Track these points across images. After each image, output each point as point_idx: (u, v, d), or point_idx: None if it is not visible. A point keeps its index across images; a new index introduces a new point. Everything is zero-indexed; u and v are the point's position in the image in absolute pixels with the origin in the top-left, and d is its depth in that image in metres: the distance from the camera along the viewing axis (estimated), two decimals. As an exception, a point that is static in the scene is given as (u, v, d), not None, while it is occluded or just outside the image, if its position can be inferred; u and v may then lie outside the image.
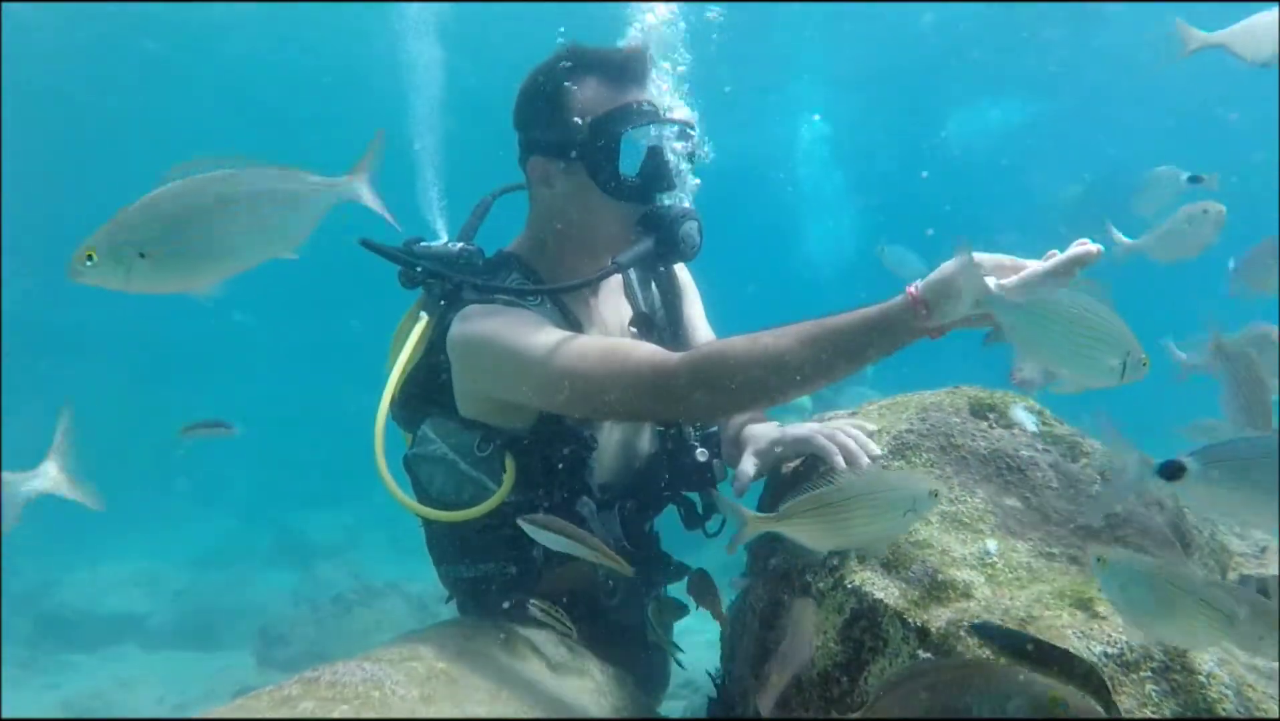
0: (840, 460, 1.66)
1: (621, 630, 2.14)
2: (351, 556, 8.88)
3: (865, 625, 1.33)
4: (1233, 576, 1.84)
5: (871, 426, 1.77)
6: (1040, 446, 1.77)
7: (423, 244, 2.01)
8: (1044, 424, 1.88)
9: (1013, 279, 1.43)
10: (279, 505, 11.52)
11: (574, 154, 1.88)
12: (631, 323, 2.12)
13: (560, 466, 1.93)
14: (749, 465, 1.82)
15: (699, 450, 2.07)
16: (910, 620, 1.27)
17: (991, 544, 1.46)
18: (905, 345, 1.52)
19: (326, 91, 12.46)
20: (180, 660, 7.15)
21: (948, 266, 1.47)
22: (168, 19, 10.26)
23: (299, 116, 13.51)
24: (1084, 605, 1.32)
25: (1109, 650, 1.19)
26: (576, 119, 1.87)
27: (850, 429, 1.75)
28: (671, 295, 2.24)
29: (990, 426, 1.82)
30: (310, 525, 10.57)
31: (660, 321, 2.18)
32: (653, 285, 2.24)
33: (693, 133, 1.97)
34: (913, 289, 1.49)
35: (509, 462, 1.89)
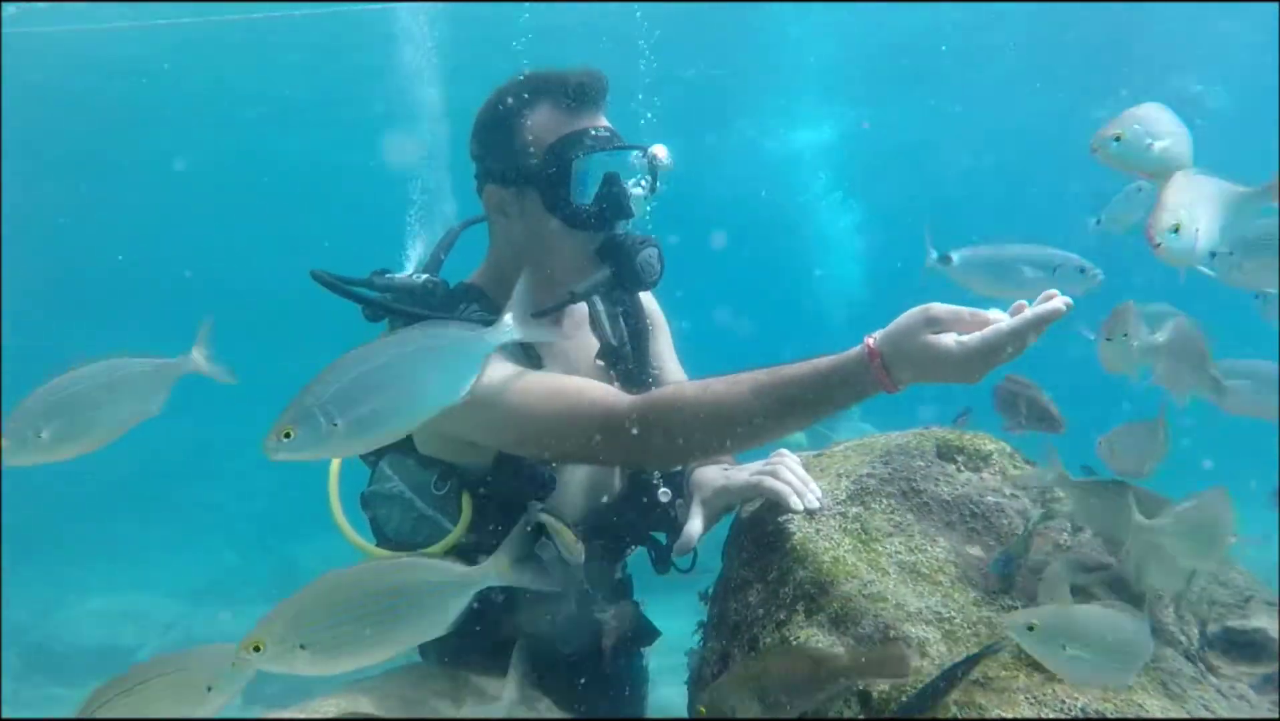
0: (796, 501, 1.60)
1: (580, 674, 2.07)
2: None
3: (809, 685, 1.25)
4: (1213, 629, 1.76)
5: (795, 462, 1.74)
6: (1008, 492, 1.70)
7: (388, 275, 1.97)
8: (1015, 467, 1.81)
9: (974, 337, 1.35)
10: (278, 535, 11.43)
11: (527, 182, 1.84)
12: (598, 356, 2.06)
13: (516, 507, 1.87)
14: (695, 525, 1.76)
15: (661, 490, 2.01)
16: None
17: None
18: (864, 399, 1.45)
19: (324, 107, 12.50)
20: (167, 696, 7.04)
21: (905, 319, 1.41)
22: (169, 39, 10.35)
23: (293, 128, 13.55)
24: (1041, 665, 1.24)
25: (1062, 717, 1.12)
26: (529, 146, 1.82)
27: (792, 464, 1.69)
28: (639, 329, 2.19)
29: (958, 470, 1.75)
30: (307, 555, 10.46)
31: (628, 355, 2.12)
32: (621, 318, 2.19)
33: (660, 161, 1.93)
34: (871, 340, 1.42)
35: (465, 502, 1.84)
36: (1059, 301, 1.33)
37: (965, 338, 1.36)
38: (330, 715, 1.65)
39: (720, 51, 11.35)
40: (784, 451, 1.78)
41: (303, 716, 1.63)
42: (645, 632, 2.17)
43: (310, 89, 11.93)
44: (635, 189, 1.90)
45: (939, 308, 1.38)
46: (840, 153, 15.98)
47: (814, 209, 17.83)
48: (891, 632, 1.32)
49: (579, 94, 1.83)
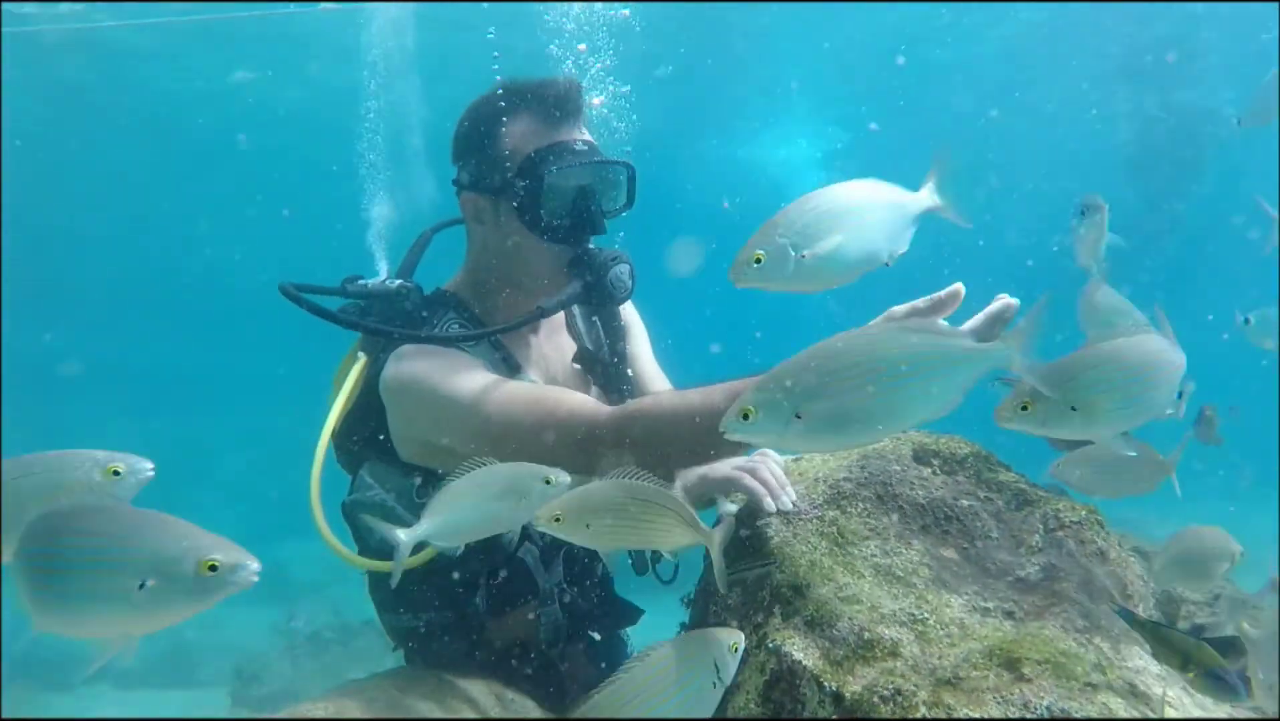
0: (769, 501, 1.63)
1: (567, 677, 2.09)
2: (333, 592, 8.78)
3: (785, 687, 1.29)
4: (1183, 625, 1.80)
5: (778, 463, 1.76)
6: (983, 495, 1.74)
7: (360, 281, 1.98)
8: (989, 470, 1.85)
9: None
10: (266, 538, 11.41)
11: (503, 193, 1.86)
12: (575, 360, 2.09)
13: None
14: None
15: None
16: (827, 684, 1.23)
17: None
18: None
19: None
20: (155, 699, 7.05)
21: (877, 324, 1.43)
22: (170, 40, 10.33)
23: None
24: (1011, 665, 1.27)
25: (1027, 716, 1.15)
26: (506, 157, 1.85)
27: (773, 465, 1.72)
28: (615, 332, 2.21)
29: (934, 473, 1.79)
30: (295, 557, 10.46)
31: (605, 357, 2.14)
32: (596, 320, 2.21)
33: (627, 173, 1.96)
34: None
35: None
36: (1009, 300, 1.38)
37: None
38: (318, 716, 1.67)
39: (703, 51, 11.38)
40: (768, 451, 1.81)
41: (291, 718, 1.65)
42: (626, 614, 2.18)
43: (307, 82, 11.90)
44: (610, 202, 1.93)
45: (896, 311, 1.41)
46: (829, 160, 16.05)
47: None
48: (866, 635, 1.35)
49: (557, 106, 1.85)
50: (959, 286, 1.40)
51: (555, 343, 2.09)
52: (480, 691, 1.89)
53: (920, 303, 1.40)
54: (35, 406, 14.94)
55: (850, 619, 1.37)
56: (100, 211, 15.57)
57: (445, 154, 2.01)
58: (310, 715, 1.67)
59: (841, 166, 16.24)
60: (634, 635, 2.41)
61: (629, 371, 2.18)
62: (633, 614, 2.23)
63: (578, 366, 2.07)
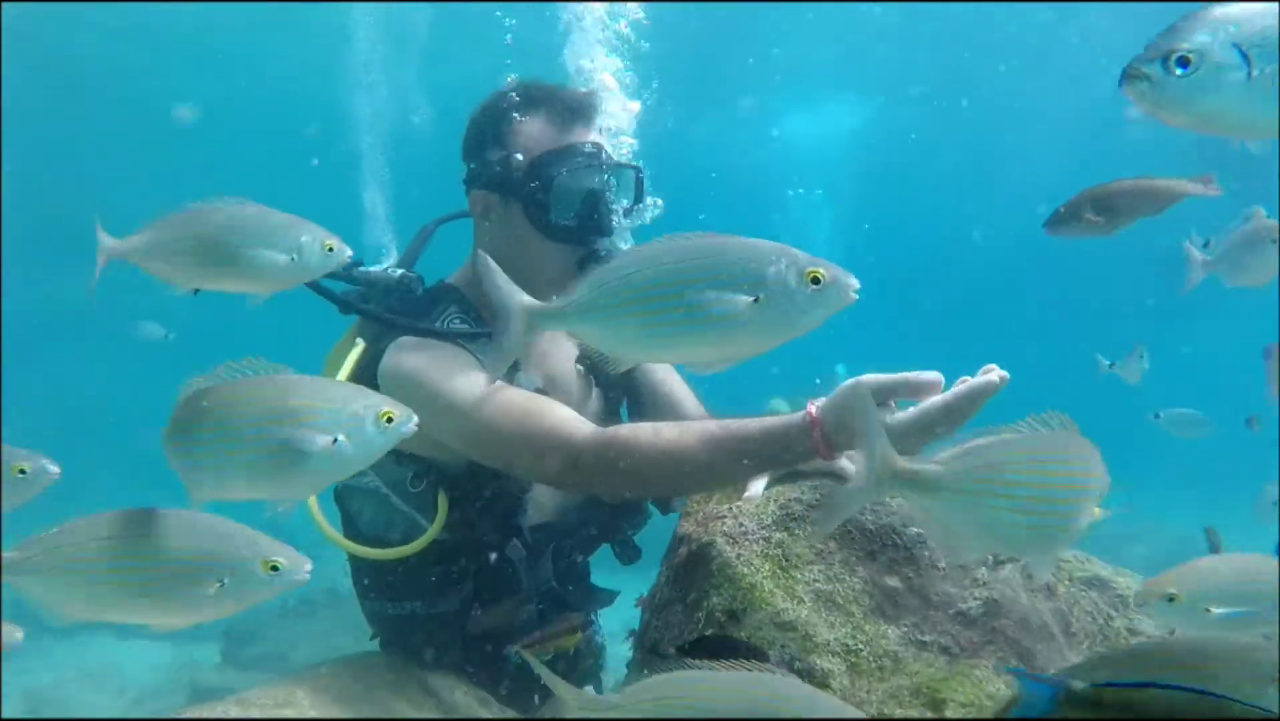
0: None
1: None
2: (325, 558, 8.93)
3: (707, 714, 1.30)
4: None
5: None
6: (935, 521, 1.73)
7: (362, 268, 1.99)
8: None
9: (909, 415, 1.39)
10: (264, 506, 11.54)
11: (511, 192, 1.88)
12: (579, 360, 2.10)
13: (493, 506, 1.91)
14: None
15: None
16: (745, 716, 1.24)
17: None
18: (804, 462, 1.53)
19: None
20: (150, 650, 7.19)
21: (845, 389, 1.44)
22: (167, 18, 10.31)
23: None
24: (936, 706, 1.28)
25: None
26: (517, 156, 1.87)
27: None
28: None
29: (889, 497, 1.78)
30: (292, 521, 10.59)
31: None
32: None
33: (639, 176, 1.97)
34: (812, 408, 1.46)
35: (441, 500, 1.87)
36: (995, 375, 1.36)
37: (901, 415, 1.40)
38: (265, 705, 1.68)
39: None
40: None
41: (238, 716, 1.67)
42: (601, 598, 2.20)
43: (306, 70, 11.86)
44: (619, 206, 1.94)
45: (869, 380, 1.41)
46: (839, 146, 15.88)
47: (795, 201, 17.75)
48: (797, 664, 1.36)
49: (569, 108, 1.88)
50: (938, 377, 1.38)
51: (556, 341, 2.10)
52: (441, 682, 1.91)
53: (894, 379, 1.39)
54: (37, 389, 15.12)
55: (783, 647, 1.38)
56: (101, 179, 15.60)
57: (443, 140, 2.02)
58: (258, 704, 1.69)
59: (869, 142, 16.05)
60: (605, 618, 2.45)
61: (637, 372, 2.20)
62: (607, 596, 2.26)
63: (580, 366, 2.09)
